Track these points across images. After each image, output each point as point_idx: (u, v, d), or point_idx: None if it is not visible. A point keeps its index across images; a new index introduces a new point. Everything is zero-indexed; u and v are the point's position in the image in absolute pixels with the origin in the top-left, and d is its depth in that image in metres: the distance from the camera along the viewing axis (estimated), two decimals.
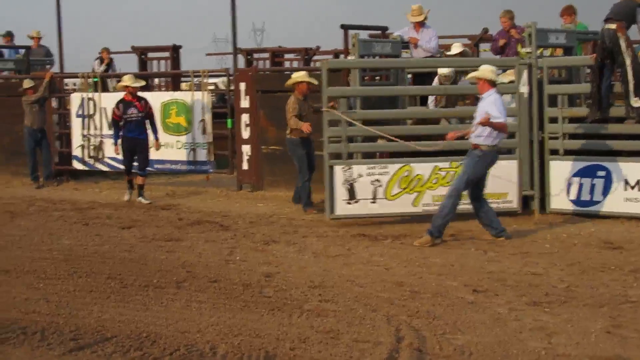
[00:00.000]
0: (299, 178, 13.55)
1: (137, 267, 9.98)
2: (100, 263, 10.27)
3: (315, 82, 13.36)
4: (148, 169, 15.28)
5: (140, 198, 14.76)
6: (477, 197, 11.18)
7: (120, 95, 15.06)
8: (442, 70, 13.83)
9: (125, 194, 15.07)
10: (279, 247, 11.00)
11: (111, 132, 15.62)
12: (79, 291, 8.95)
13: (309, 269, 9.73)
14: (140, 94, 14.97)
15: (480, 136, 10.83)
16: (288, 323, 7.65)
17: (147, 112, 14.75)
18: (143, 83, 15.25)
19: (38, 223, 13.22)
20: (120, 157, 15.17)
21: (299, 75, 13.59)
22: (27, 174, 17.36)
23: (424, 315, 7.77)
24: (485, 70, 10.94)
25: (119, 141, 14.77)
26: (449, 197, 10.98)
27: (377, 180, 12.36)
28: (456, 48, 14.92)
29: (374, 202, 12.40)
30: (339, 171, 12.34)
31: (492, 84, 10.92)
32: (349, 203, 12.40)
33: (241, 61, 20.57)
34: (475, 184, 11.06)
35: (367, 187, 12.37)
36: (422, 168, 12.40)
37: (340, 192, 12.37)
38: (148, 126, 14.86)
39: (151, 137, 14.96)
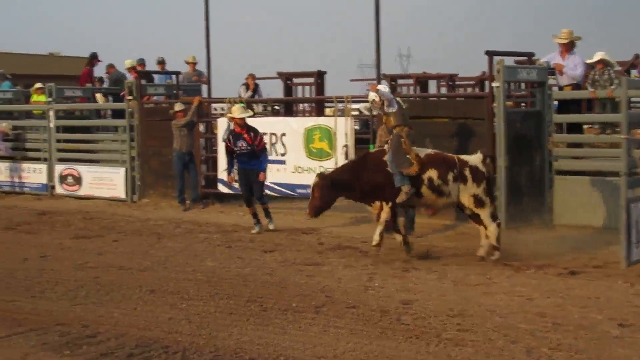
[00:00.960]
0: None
1: (277, 291, 10.08)
2: (242, 286, 10.42)
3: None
4: (290, 193, 15.38)
5: (268, 223, 14.71)
6: None
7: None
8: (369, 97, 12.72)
9: (253, 227, 14.71)
10: (419, 274, 10.92)
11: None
12: (220, 313, 9.11)
13: (448, 297, 9.61)
14: (283, 119, 15.06)
15: None
16: (425, 352, 7.58)
17: (256, 144, 14.55)
18: (250, 113, 15.25)
19: (183, 245, 13.54)
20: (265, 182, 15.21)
21: None
22: (175, 196, 17.83)
23: (566, 348, 7.56)
24: None
25: (235, 171, 14.77)
26: None
27: None
28: (597, 56, 14.56)
29: None
30: (635, 210, 10.83)
31: None
32: (637, 246, 10.93)
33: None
34: None
35: None
36: None
37: (635, 234, 10.79)
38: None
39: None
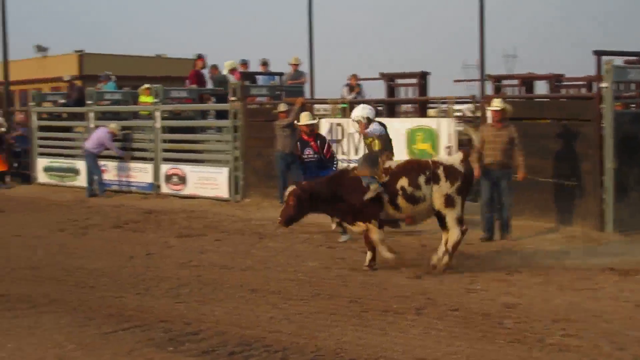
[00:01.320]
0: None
1: (377, 292, 10.05)
2: (342, 286, 10.42)
3: (499, 107, 13.26)
4: None
5: (341, 233, 14.04)
6: None
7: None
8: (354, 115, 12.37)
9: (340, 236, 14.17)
10: (522, 278, 10.72)
11: (357, 157, 15.70)
12: (321, 313, 9.12)
13: (552, 301, 9.41)
14: (385, 120, 14.93)
15: None
16: (528, 356, 7.43)
17: (324, 153, 14.26)
18: (315, 121, 15.05)
19: (285, 245, 13.60)
20: None
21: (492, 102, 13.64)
22: (277, 197, 17.92)
23: None
24: None
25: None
26: None
27: None
28: None
29: None
30: None
31: None
32: None
33: (490, 88, 20.38)
34: None
35: None
36: None
37: None
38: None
39: None
